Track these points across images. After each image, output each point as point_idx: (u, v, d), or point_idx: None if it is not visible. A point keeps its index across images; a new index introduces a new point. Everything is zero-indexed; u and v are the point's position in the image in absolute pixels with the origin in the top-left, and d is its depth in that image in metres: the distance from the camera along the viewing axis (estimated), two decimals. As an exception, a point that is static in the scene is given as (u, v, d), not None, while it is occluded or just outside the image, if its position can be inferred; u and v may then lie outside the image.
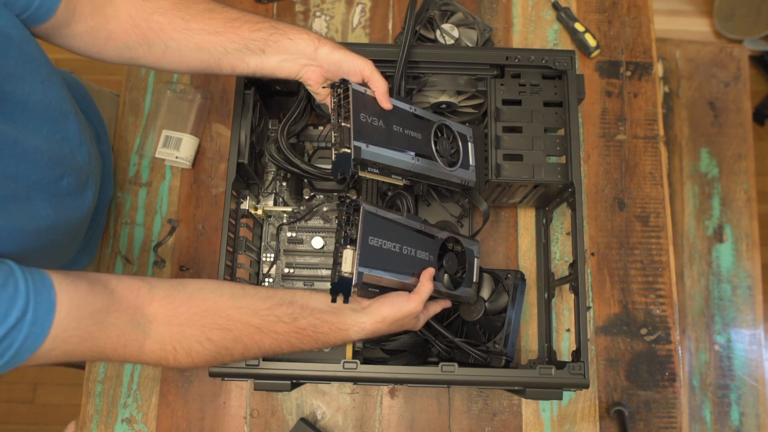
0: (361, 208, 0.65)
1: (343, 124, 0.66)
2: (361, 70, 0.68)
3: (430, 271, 0.70)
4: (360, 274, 0.64)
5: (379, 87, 0.69)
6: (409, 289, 0.68)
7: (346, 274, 0.64)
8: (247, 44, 0.66)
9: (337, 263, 0.65)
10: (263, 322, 0.62)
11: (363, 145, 0.66)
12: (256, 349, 0.63)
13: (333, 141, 0.67)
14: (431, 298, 0.72)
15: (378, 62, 0.71)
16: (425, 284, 0.68)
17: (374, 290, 0.68)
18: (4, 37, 0.54)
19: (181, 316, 0.59)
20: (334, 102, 0.68)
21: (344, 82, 0.68)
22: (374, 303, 0.66)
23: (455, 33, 0.92)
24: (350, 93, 0.67)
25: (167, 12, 0.64)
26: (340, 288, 0.65)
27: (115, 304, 0.56)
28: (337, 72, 0.68)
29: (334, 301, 0.65)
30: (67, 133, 0.67)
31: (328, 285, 0.66)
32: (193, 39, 0.65)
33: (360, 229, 0.64)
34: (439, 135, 0.77)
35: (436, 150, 0.76)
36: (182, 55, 0.66)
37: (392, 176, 0.72)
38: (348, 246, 0.64)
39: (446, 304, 0.75)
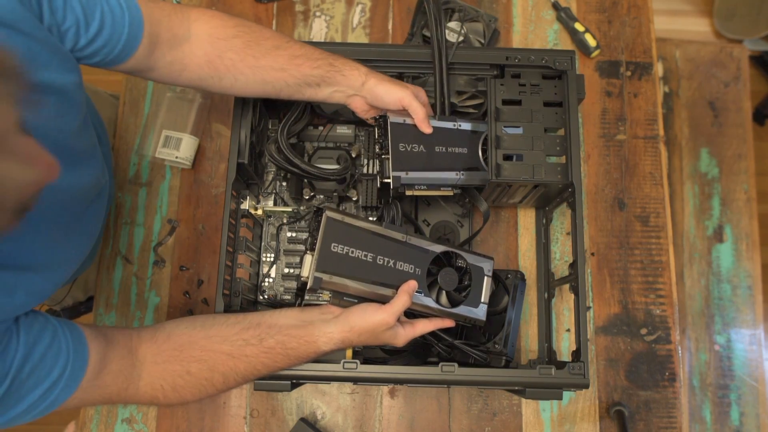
0: (324, 214, 0.65)
1: (383, 156, 0.73)
2: (400, 99, 0.73)
3: (409, 284, 0.68)
4: (318, 279, 0.64)
5: (417, 114, 0.73)
6: (387, 301, 0.67)
7: (302, 279, 0.66)
8: (306, 79, 0.72)
9: (300, 268, 0.66)
10: (233, 348, 0.63)
11: (402, 174, 0.73)
12: (233, 375, 0.64)
13: (378, 169, 0.75)
14: (424, 315, 0.72)
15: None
16: (400, 296, 0.67)
17: (350, 299, 0.68)
18: (69, 100, 0.57)
19: (164, 353, 0.63)
20: (377, 133, 0.76)
21: (383, 118, 0.74)
22: (344, 312, 0.66)
23: (462, 30, 0.92)
24: (388, 127, 0.73)
25: (240, 50, 0.69)
26: (299, 292, 0.67)
27: (119, 352, 0.61)
28: (379, 102, 0.74)
29: (297, 303, 0.67)
30: (99, 160, 0.71)
31: None
32: (261, 74, 0.71)
33: (320, 235, 0.65)
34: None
35: (485, 158, 0.79)
36: (248, 87, 0.72)
37: (441, 188, 0.77)
38: (308, 251, 0.66)
39: (445, 323, 0.72)
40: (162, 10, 0.64)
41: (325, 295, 0.67)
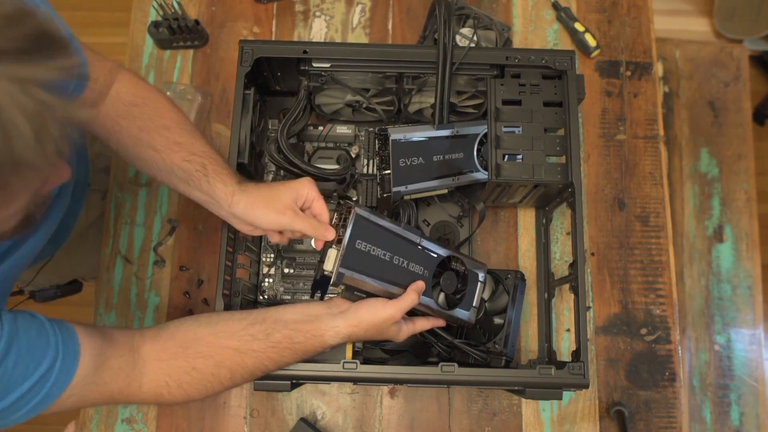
0: (354, 211, 0.65)
1: (385, 171, 0.75)
2: (280, 226, 0.67)
3: (418, 284, 0.70)
4: (341, 275, 0.65)
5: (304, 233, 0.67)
6: (393, 297, 0.68)
7: (326, 273, 0.66)
8: (175, 170, 0.68)
9: (321, 261, 0.66)
10: (240, 343, 0.63)
11: (402, 188, 0.75)
12: (240, 370, 0.64)
13: (378, 180, 0.77)
14: (422, 314, 0.73)
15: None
16: (410, 294, 0.68)
17: (360, 294, 0.68)
18: None
19: (169, 350, 0.63)
20: (377, 145, 0.77)
21: (385, 134, 0.74)
22: (352, 306, 0.67)
23: (473, 36, 0.92)
24: (390, 145, 0.74)
25: (131, 119, 0.68)
26: (320, 285, 0.68)
27: (119, 350, 0.61)
28: (258, 227, 0.68)
29: (312, 296, 0.67)
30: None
31: None
32: (138, 149, 0.68)
33: (348, 231, 0.65)
34: (485, 141, 0.80)
35: (481, 158, 0.80)
36: (129, 158, 0.71)
37: (438, 189, 0.79)
38: (334, 246, 0.66)
39: (438, 322, 0.75)
40: (102, 69, 0.65)
41: (338, 289, 0.68)
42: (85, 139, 0.93)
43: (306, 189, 0.68)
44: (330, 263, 0.66)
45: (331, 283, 0.66)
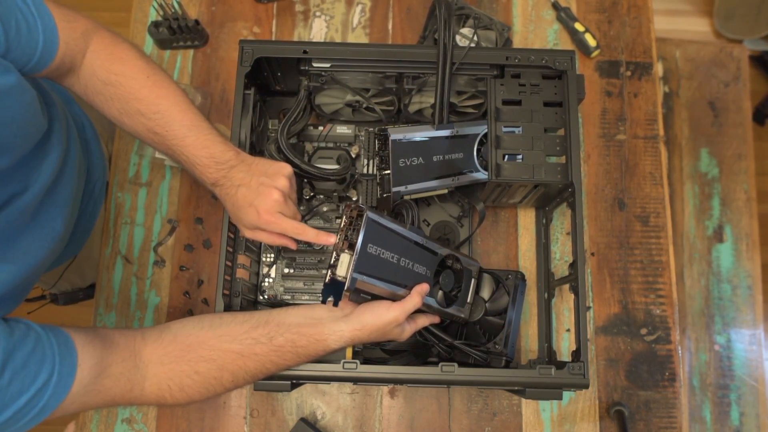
0: (365, 215, 0.65)
1: (385, 171, 0.76)
2: (252, 234, 0.70)
3: (423, 287, 0.70)
4: (354, 280, 0.64)
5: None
6: (397, 299, 0.68)
7: (339, 278, 0.65)
8: (165, 153, 0.72)
9: (333, 266, 0.66)
10: (242, 347, 0.63)
11: (402, 188, 0.76)
12: (242, 374, 0.64)
13: (378, 180, 0.78)
14: (420, 311, 0.73)
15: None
16: (414, 297, 0.68)
17: (366, 296, 0.68)
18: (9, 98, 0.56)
19: (171, 354, 0.63)
20: (377, 145, 0.77)
21: (384, 134, 0.75)
22: (356, 310, 0.67)
23: (474, 36, 0.92)
24: (389, 144, 0.74)
25: (107, 100, 0.69)
26: (332, 291, 0.66)
27: (120, 355, 0.60)
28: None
29: (324, 302, 0.66)
30: (54, 155, 0.70)
31: None
32: (126, 128, 0.71)
33: (361, 235, 0.65)
34: (485, 141, 0.80)
35: (481, 158, 0.80)
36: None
37: (437, 189, 0.79)
38: (346, 250, 0.65)
39: (435, 319, 0.75)
40: (72, 32, 0.65)
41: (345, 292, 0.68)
42: (101, 139, 0.94)
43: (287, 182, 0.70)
44: (343, 269, 0.65)
45: (345, 289, 0.65)
